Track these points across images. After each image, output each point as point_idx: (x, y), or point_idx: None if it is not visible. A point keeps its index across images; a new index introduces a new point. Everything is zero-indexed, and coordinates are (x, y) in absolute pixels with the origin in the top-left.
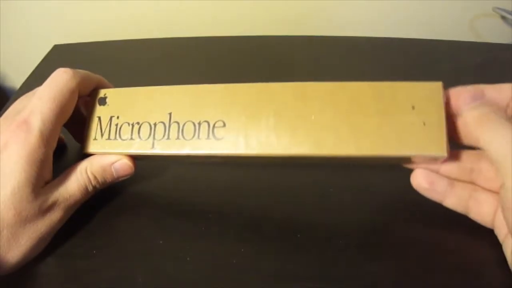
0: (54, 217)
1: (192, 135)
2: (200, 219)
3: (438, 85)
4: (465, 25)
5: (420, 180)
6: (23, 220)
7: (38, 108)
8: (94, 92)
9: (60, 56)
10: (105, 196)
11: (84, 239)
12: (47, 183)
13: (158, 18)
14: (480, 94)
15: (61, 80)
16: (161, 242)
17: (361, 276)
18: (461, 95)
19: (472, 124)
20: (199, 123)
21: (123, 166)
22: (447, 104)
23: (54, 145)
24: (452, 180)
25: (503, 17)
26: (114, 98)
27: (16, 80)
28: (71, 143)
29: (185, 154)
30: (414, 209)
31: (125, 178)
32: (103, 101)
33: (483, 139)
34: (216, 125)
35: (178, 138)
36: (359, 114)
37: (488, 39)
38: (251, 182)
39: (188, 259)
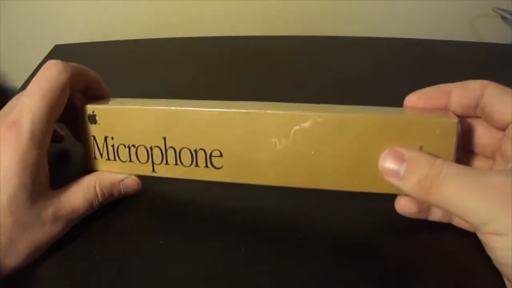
0: (54, 228)
1: (190, 162)
2: (200, 219)
3: (452, 124)
4: (465, 25)
5: (408, 205)
6: (21, 227)
7: (27, 107)
8: (81, 107)
9: (60, 56)
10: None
11: (84, 239)
12: (46, 188)
13: (158, 18)
14: (400, 155)
15: (51, 74)
16: (161, 242)
17: (361, 276)
18: (428, 97)
19: (417, 196)
20: (196, 151)
21: (131, 182)
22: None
23: (47, 144)
24: None
25: (503, 17)
26: (104, 117)
27: (16, 80)
28: (71, 142)
29: (186, 179)
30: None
31: (131, 193)
32: (93, 119)
33: (440, 207)
34: (213, 154)
35: (176, 163)
36: (363, 152)
37: (488, 39)
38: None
39: (188, 259)
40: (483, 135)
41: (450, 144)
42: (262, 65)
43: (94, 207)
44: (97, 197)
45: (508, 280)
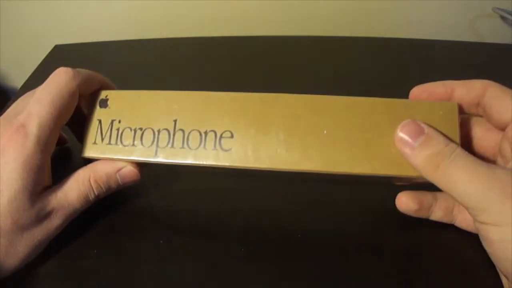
0: (51, 225)
1: (197, 144)
2: (200, 219)
3: (453, 106)
4: (465, 25)
5: (409, 203)
6: (20, 228)
7: (35, 112)
8: (95, 92)
9: (61, 56)
10: (105, 196)
11: (84, 239)
12: (46, 188)
13: (158, 18)
14: (420, 129)
15: (61, 81)
16: (161, 242)
17: (362, 276)
18: (431, 91)
19: (423, 170)
20: (206, 132)
21: (129, 173)
22: (462, 125)
23: (52, 149)
24: (435, 192)
25: (503, 17)
26: (116, 101)
27: (16, 80)
28: (74, 144)
29: (189, 164)
30: None
31: (130, 184)
32: (104, 104)
33: (441, 186)
34: (223, 135)
35: (182, 147)
36: (373, 132)
37: (488, 39)
38: (251, 182)
39: (188, 259)
40: (483, 137)
41: (454, 125)
42: (262, 65)
43: (91, 201)
44: (92, 190)
45: (506, 277)
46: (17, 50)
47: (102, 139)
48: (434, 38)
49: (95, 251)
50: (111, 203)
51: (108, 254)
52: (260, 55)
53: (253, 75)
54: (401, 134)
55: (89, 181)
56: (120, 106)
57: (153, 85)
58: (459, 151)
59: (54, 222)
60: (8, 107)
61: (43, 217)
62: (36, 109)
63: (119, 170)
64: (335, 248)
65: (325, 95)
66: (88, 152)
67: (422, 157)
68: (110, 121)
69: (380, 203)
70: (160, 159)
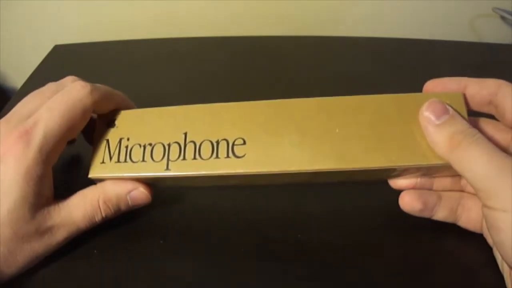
0: (51, 240)
1: (210, 154)
2: (200, 220)
3: (459, 95)
4: (465, 25)
5: (413, 202)
6: (20, 239)
7: (44, 121)
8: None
9: (60, 56)
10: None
11: (84, 239)
12: (48, 199)
13: (158, 18)
14: (445, 108)
15: (77, 95)
16: (161, 242)
17: (362, 277)
18: (445, 86)
19: (441, 147)
20: (217, 142)
21: (140, 195)
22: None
23: (55, 160)
24: (439, 192)
25: (503, 17)
26: (123, 120)
27: (16, 80)
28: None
29: (203, 175)
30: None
31: (140, 207)
32: (111, 123)
33: (457, 164)
34: (235, 142)
35: (194, 158)
36: (384, 125)
37: (488, 39)
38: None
39: (187, 259)
40: (493, 137)
41: (462, 114)
42: (262, 65)
43: (97, 222)
44: (100, 211)
45: (510, 267)
46: (17, 50)
47: (111, 158)
48: (434, 38)
49: (95, 251)
50: None
51: (108, 254)
52: (260, 55)
53: (253, 75)
54: (427, 113)
55: (98, 202)
56: (127, 125)
57: (153, 85)
58: (480, 135)
59: (55, 238)
60: (8, 107)
61: (44, 231)
62: (45, 118)
63: (130, 191)
64: (335, 248)
65: (333, 97)
66: (96, 172)
67: (446, 133)
68: (118, 140)
69: (380, 203)
70: (172, 172)
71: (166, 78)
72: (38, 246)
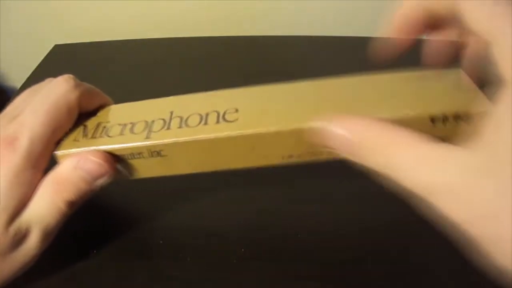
0: (29, 245)
1: (197, 123)
2: (200, 219)
3: (458, 72)
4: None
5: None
6: (2, 254)
7: (29, 124)
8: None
9: (60, 56)
10: (105, 195)
11: (84, 239)
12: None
13: (158, 18)
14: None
15: (59, 90)
16: (161, 242)
17: (362, 277)
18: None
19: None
20: (207, 114)
21: (90, 164)
22: None
23: (45, 164)
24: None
25: None
26: (106, 110)
27: (16, 80)
28: None
29: (186, 141)
30: (414, 210)
31: (105, 181)
32: (93, 114)
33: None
34: (227, 111)
35: (180, 127)
36: (397, 82)
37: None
38: (252, 182)
39: (188, 259)
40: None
41: (471, 89)
42: (262, 65)
43: (64, 209)
44: (58, 195)
45: None
46: (17, 50)
47: (84, 136)
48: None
49: (95, 251)
50: (111, 203)
51: (108, 254)
52: (260, 55)
53: (253, 75)
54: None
55: (51, 185)
56: (110, 113)
57: (153, 85)
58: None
59: (32, 242)
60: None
61: (19, 240)
62: (29, 120)
63: (75, 166)
64: (335, 248)
65: (327, 79)
66: (64, 147)
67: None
68: (96, 124)
69: (380, 203)
70: (152, 141)
71: (166, 78)
72: (20, 256)
